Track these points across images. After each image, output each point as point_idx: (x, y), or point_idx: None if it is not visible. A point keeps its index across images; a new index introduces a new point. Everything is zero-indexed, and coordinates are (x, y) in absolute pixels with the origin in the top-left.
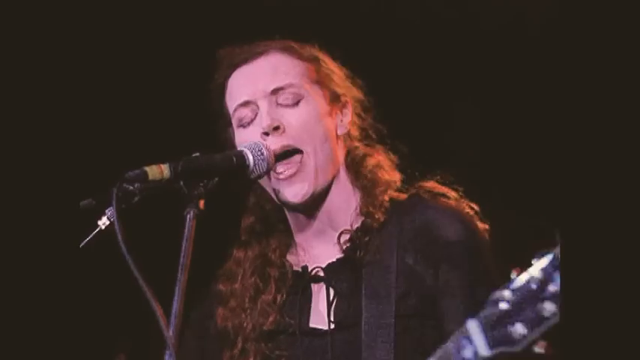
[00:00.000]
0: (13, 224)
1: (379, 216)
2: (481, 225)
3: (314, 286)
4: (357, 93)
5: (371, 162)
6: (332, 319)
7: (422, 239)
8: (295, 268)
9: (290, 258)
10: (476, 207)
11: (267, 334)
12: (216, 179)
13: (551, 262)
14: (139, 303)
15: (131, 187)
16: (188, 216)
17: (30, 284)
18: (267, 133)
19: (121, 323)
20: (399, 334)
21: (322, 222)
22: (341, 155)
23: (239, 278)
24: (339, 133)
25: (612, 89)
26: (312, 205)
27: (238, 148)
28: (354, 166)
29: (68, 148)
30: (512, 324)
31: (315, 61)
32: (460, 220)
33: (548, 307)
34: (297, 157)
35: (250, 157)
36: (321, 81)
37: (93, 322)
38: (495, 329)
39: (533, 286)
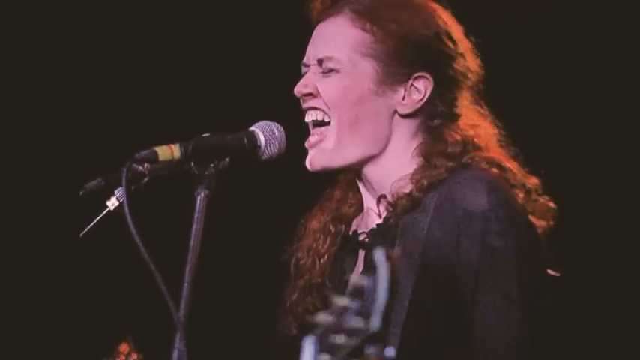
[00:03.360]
0: (18, 209)
1: (422, 185)
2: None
3: (360, 252)
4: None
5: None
6: None
7: (448, 210)
8: (351, 232)
9: (355, 222)
10: (535, 183)
11: (315, 288)
12: (227, 160)
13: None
14: (147, 285)
15: (141, 168)
16: (199, 197)
17: (36, 267)
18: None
19: (130, 306)
20: (411, 312)
21: (369, 188)
22: (401, 131)
23: (310, 237)
24: (400, 111)
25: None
26: (353, 172)
27: (250, 128)
28: (425, 146)
29: (72, 130)
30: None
31: (384, 30)
32: (488, 190)
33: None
34: (323, 128)
35: (262, 138)
36: (377, 55)
37: (100, 305)
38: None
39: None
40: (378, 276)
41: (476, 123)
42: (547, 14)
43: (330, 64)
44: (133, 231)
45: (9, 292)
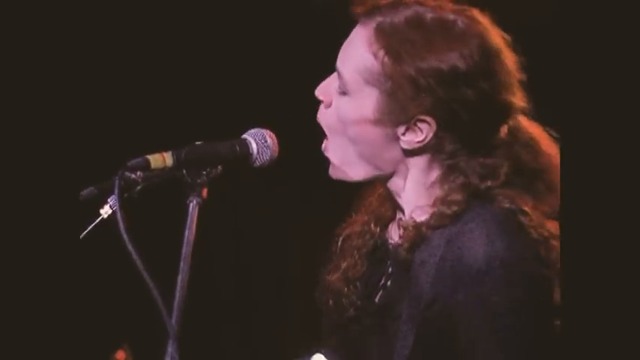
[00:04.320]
0: (13, 215)
1: (431, 223)
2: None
3: (389, 262)
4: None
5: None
6: (378, 299)
7: (450, 260)
8: (379, 240)
9: (389, 227)
10: (553, 229)
11: (350, 280)
12: (220, 168)
13: None
14: (140, 293)
15: (133, 176)
16: (191, 205)
17: (30, 274)
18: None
19: (124, 314)
20: (415, 344)
21: (396, 201)
22: (414, 159)
23: (357, 225)
24: (401, 145)
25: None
26: (374, 185)
27: (243, 136)
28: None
29: (66, 137)
30: None
31: (395, 64)
32: (487, 241)
33: None
34: (326, 140)
35: (254, 146)
36: (381, 88)
37: (94, 312)
38: None
39: None
40: None
41: (510, 154)
42: (546, 25)
43: (341, 82)
44: (126, 239)
45: (4, 302)
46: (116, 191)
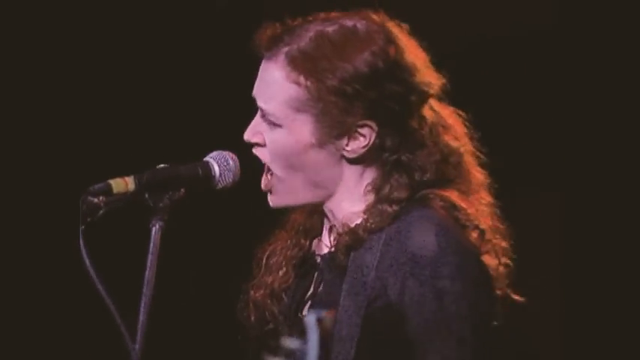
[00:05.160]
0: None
1: (367, 226)
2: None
3: (315, 274)
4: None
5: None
6: (306, 311)
7: (395, 252)
8: (306, 253)
9: (316, 241)
10: (489, 224)
11: (275, 295)
12: (183, 190)
13: None
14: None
15: (96, 200)
16: (153, 229)
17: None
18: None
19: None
20: (361, 339)
21: (326, 216)
22: (352, 170)
23: (282, 240)
24: (345, 156)
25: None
26: (302, 207)
27: (205, 158)
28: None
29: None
30: None
31: (319, 84)
32: (437, 231)
33: None
34: (269, 175)
35: (216, 168)
36: (313, 112)
37: (61, 322)
38: None
39: None
40: (308, 341)
41: (437, 142)
42: (548, 31)
43: (270, 118)
44: (88, 263)
45: None
46: (80, 216)
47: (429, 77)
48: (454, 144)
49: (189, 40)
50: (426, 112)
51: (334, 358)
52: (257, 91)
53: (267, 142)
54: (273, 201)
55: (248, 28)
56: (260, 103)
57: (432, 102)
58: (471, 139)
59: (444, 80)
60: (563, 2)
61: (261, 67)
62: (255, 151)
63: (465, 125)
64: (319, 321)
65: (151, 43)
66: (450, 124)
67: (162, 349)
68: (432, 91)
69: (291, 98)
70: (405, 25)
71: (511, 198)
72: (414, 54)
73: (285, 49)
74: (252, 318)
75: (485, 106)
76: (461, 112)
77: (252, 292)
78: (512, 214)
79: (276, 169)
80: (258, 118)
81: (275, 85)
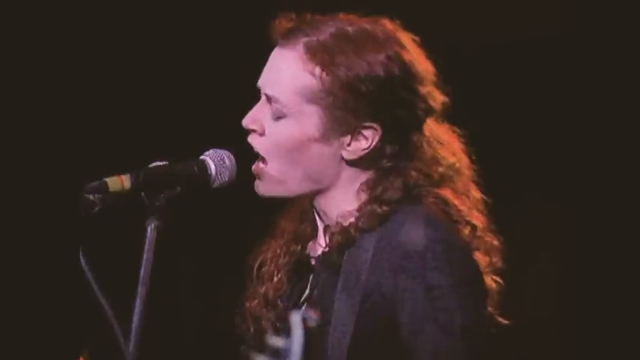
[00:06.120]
0: None
1: (359, 225)
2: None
3: (310, 276)
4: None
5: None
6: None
7: (387, 248)
8: (299, 258)
9: (310, 244)
10: (482, 220)
11: (271, 303)
12: (179, 189)
13: None
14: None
15: (91, 197)
16: (149, 227)
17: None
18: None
19: (84, 322)
20: (355, 336)
21: (319, 216)
22: (349, 168)
23: (273, 248)
24: (344, 156)
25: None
26: (294, 200)
27: (201, 157)
28: (370, 187)
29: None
30: None
31: (334, 78)
32: (426, 225)
33: None
34: (262, 164)
35: (212, 166)
36: (323, 105)
37: (56, 319)
38: None
39: None
40: (292, 339)
41: (436, 153)
42: (558, 36)
43: (277, 106)
44: (83, 261)
45: None
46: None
47: (435, 93)
48: (451, 159)
49: (186, 40)
50: (425, 126)
51: (329, 355)
52: (266, 79)
53: (268, 133)
54: (261, 188)
55: (246, 27)
56: (268, 90)
57: (429, 119)
58: (468, 155)
59: (446, 99)
60: (571, 9)
61: (273, 55)
62: (251, 139)
63: (461, 142)
64: (304, 320)
65: (151, 43)
66: (447, 140)
67: (158, 349)
68: (437, 107)
69: (304, 87)
70: (417, 38)
71: (510, 209)
72: (425, 67)
73: (305, 39)
74: (251, 329)
75: (489, 111)
76: (456, 129)
77: (247, 304)
78: (511, 225)
79: (273, 159)
80: (259, 106)
81: (288, 71)
